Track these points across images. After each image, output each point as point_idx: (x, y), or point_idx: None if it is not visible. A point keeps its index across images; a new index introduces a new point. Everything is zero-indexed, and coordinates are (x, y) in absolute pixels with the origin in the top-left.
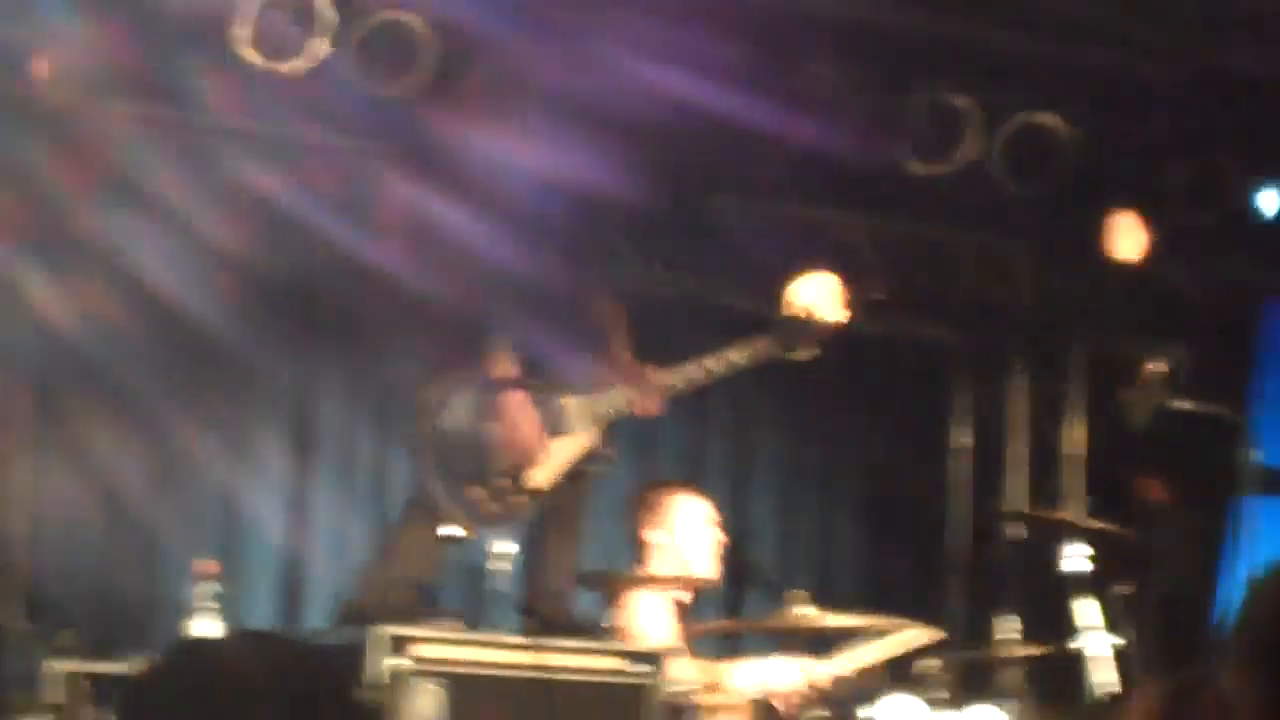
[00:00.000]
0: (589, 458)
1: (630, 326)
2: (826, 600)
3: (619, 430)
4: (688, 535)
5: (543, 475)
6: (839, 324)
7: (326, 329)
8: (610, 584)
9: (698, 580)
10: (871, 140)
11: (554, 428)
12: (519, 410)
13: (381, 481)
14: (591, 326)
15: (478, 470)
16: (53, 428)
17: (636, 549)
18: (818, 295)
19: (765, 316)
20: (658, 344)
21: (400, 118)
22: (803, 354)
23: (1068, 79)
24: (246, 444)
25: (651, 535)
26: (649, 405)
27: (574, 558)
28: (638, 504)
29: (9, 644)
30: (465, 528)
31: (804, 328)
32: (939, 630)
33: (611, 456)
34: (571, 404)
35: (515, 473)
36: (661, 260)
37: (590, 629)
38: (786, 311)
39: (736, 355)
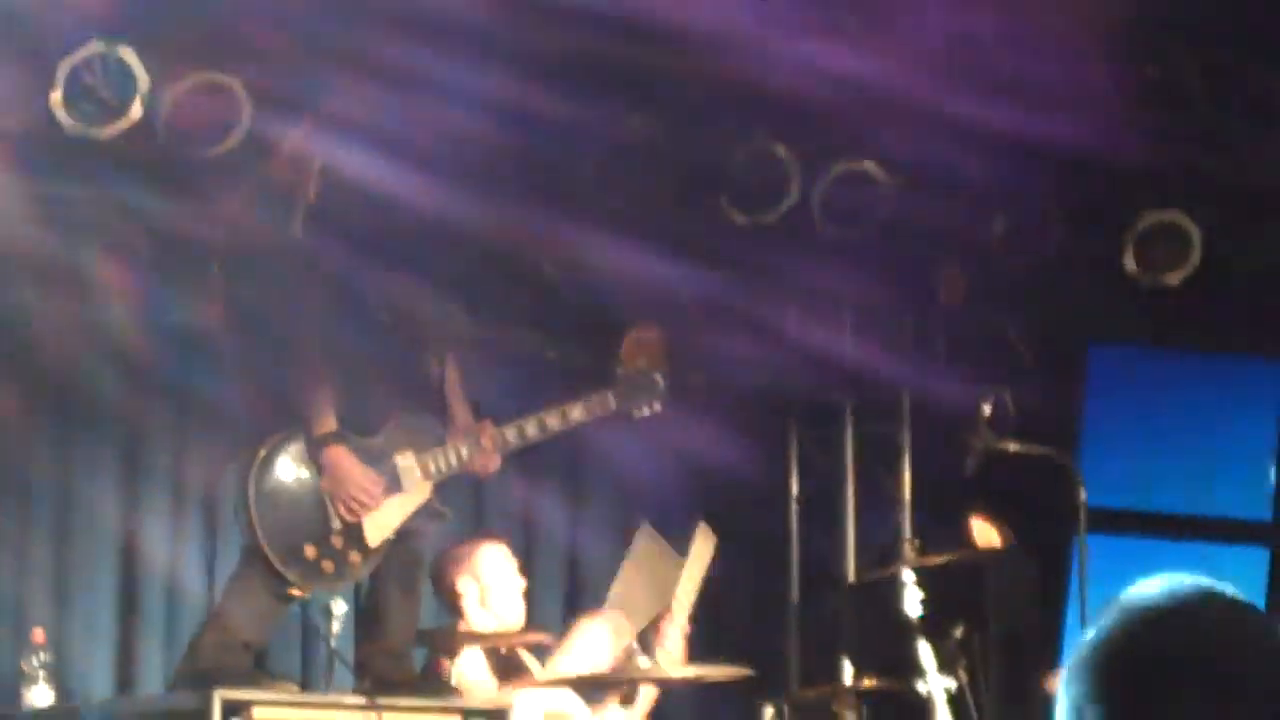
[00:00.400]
0: (423, 514)
1: (464, 382)
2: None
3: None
4: (494, 580)
5: (376, 533)
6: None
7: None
8: (449, 641)
9: (537, 636)
10: (693, 190)
11: (387, 485)
12: (346, 466)
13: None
14: (427, 383)
15: (308, 529)
16: None
17: (449, 602)
18: (648, 349)
19: (606, 371)
20: (494, 399)
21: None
22: (645, 411)
23: (888, 128)
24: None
25: (461, 584)
26: (487, 463)
27: (415, 616)
28: (445, 559)
29: None
30: (299, 588)
31: (646, 384)
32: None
33: (446, 514)
34: (405, 461)
35: (347, 530)
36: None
37: (431, 687)
38: (628, 366)
39: (578, 412)
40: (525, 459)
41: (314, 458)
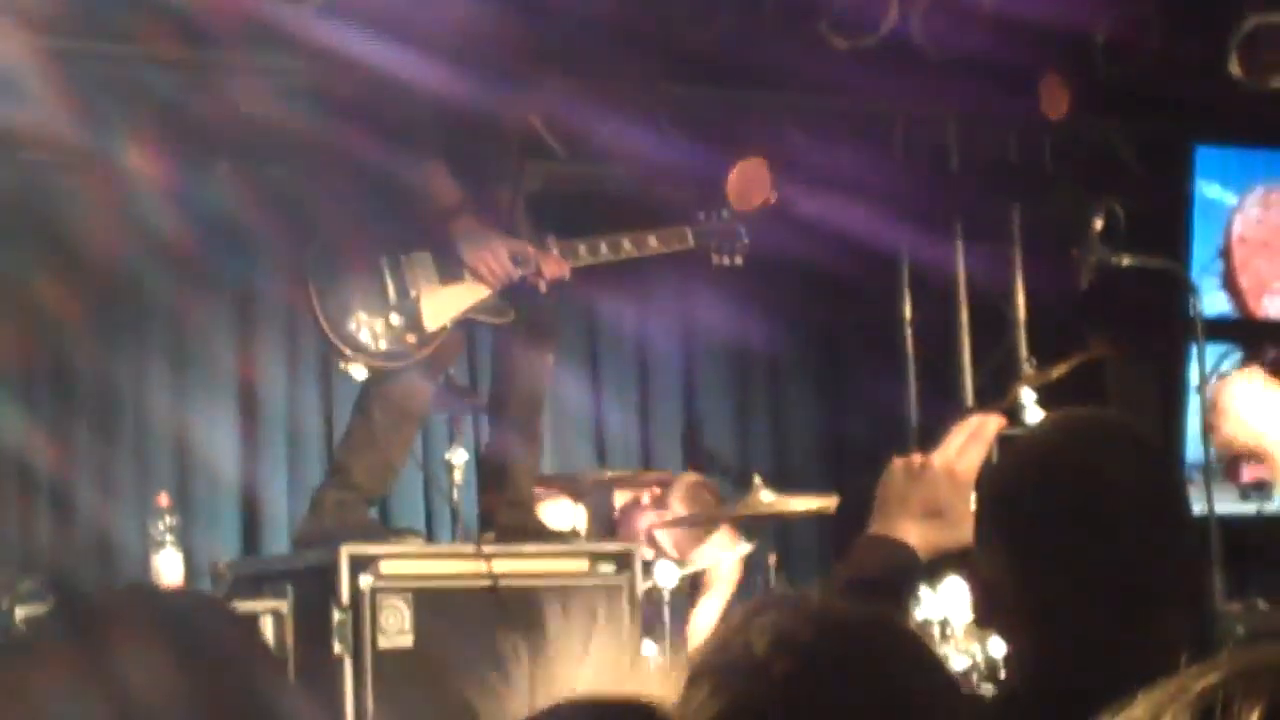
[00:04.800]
0: (485, 309)
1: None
2: (783, 483)
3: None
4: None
5: (434, 319)
6: (768, 203)
7: None
8: (572, 485)
9: (658, 476)
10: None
11: (446, 275)
12: (487, 234)
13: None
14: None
15: (364, 301)
16: None
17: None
18: (755, 180)
19: (694, 214)
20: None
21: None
22: (724, 259)
23: None
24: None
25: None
26: (555, 270)
27: (536, 464)
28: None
29: None
30: (351, 360)
31: (728, 230)
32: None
33: (508, 313)
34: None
35: (404, 309)
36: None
37: (556, 533)
38: (734, 197)
39: (654, 240)
40: None
41: (445, 228)
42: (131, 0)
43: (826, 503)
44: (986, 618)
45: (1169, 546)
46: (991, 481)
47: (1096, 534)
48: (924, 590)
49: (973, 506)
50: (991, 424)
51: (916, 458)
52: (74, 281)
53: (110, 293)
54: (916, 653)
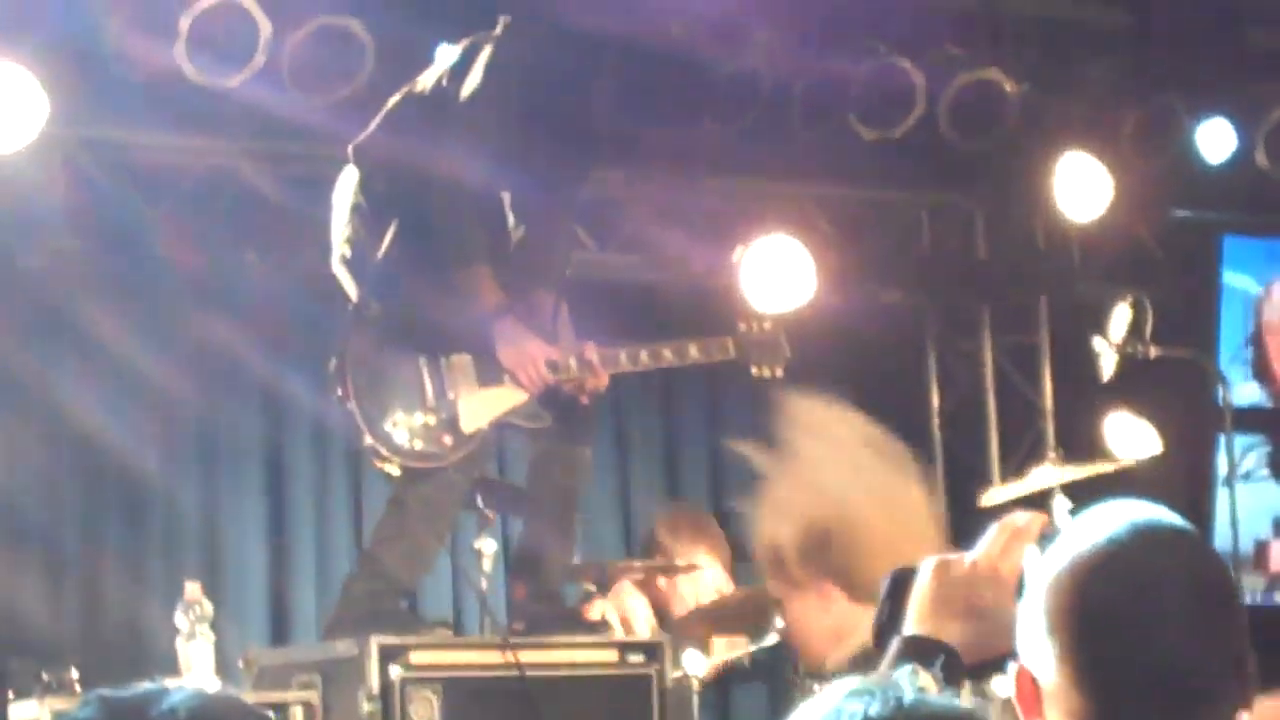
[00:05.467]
0: (522, 414)
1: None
2: None
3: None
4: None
5: (471, 421)
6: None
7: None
8: (605, 575)
9: (681, 568)
10: (817, 107)
11: (485, 378)
12: (526, 335)
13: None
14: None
15: (402, 403)
16: None
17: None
18: (775, 261)
19: (731, 323)
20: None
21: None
22: (765, 372)
23: (1009, 32)
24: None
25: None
26: (594, 380)
27: (569, 555)
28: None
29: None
30: (388, 461)
31: (771, 343)
32: None
33: (545, 418)
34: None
35: (441, 411)
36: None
37: (585, 624)
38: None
39: (695, 350)
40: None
41: (488, 331)
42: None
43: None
44: None
45: (1223, 645)
46: (1039, 581)
47: (1150, 634)
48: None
49: (1017, 607)
50: (1036, 522)
51: (957, 556)
52: (102, 374)
53: (139, 384)
54: None
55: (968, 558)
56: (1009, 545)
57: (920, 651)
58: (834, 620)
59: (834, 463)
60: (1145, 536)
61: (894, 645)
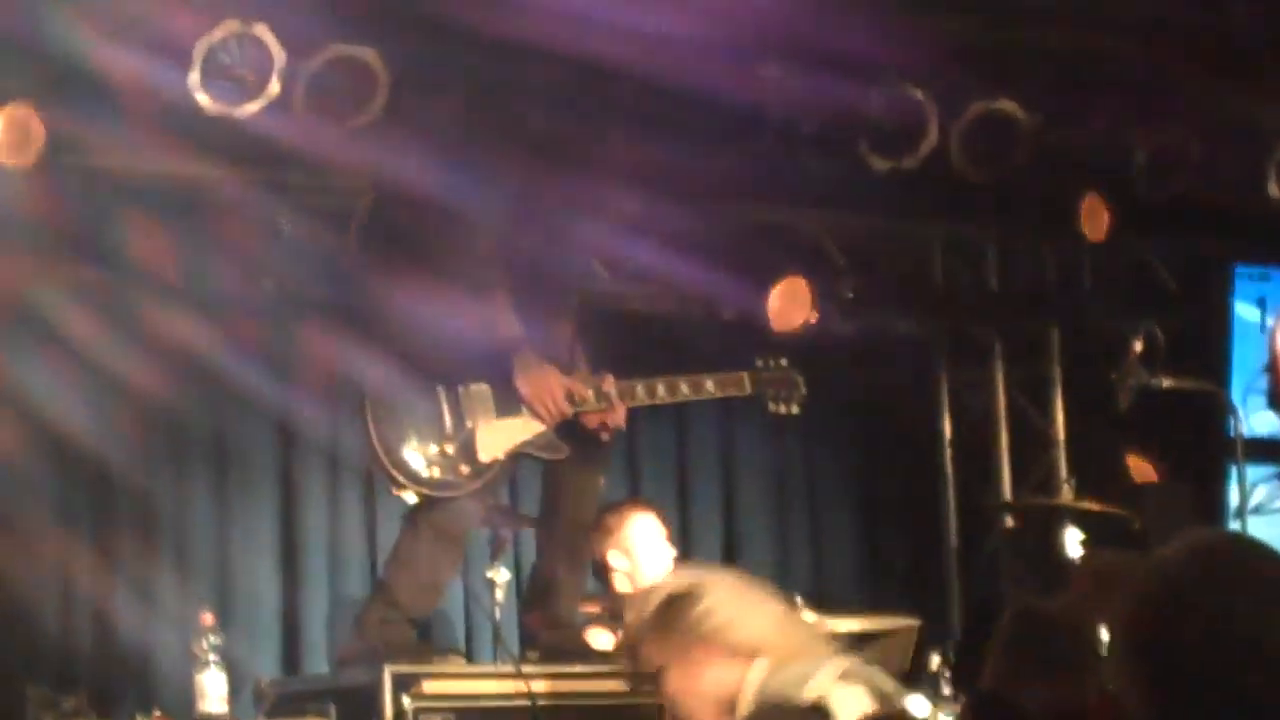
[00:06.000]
0: (539, 444)
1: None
2: (823, 603)
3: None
4: (644, 554)
5: (488, 451)
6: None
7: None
8: (614, 608)
9: None
10: (829, 137)
11: (502, 408)
12: (546, 370)
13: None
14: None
15: (420, 432)
16: None
17: (598, 575)
18: (789, 301)
19: (749, 359)
20: (628, 358)
21: (333, 274)
22: (780, 408)
23: (1021, 63)
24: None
25: (611, 558)
26: (612, 414)
27: (582, 586)
28: (595, 528)
29: (30, 711)
30: (404, 489)
31: (787, 380)
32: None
33: (563, 449)
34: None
35: (459, 440)
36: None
37: (598, 654)
38: (775, 320)
39: (711, 385)
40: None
41: (507, 362)
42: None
43: (908, 624)
44: None
45: None
46: (1124, 618)
47: (1238, 666)
48: None
49: (1103, 654)
50: (1127, 566)
51: (1039, 607)
52: (115, 400)
53: (152, 411)
54: None
55: (1053, 606)
56: (1095, 593)
57: (995, 715)
58: (709, 686)
59: None
60: (1228, 563)
61: (968, 702)
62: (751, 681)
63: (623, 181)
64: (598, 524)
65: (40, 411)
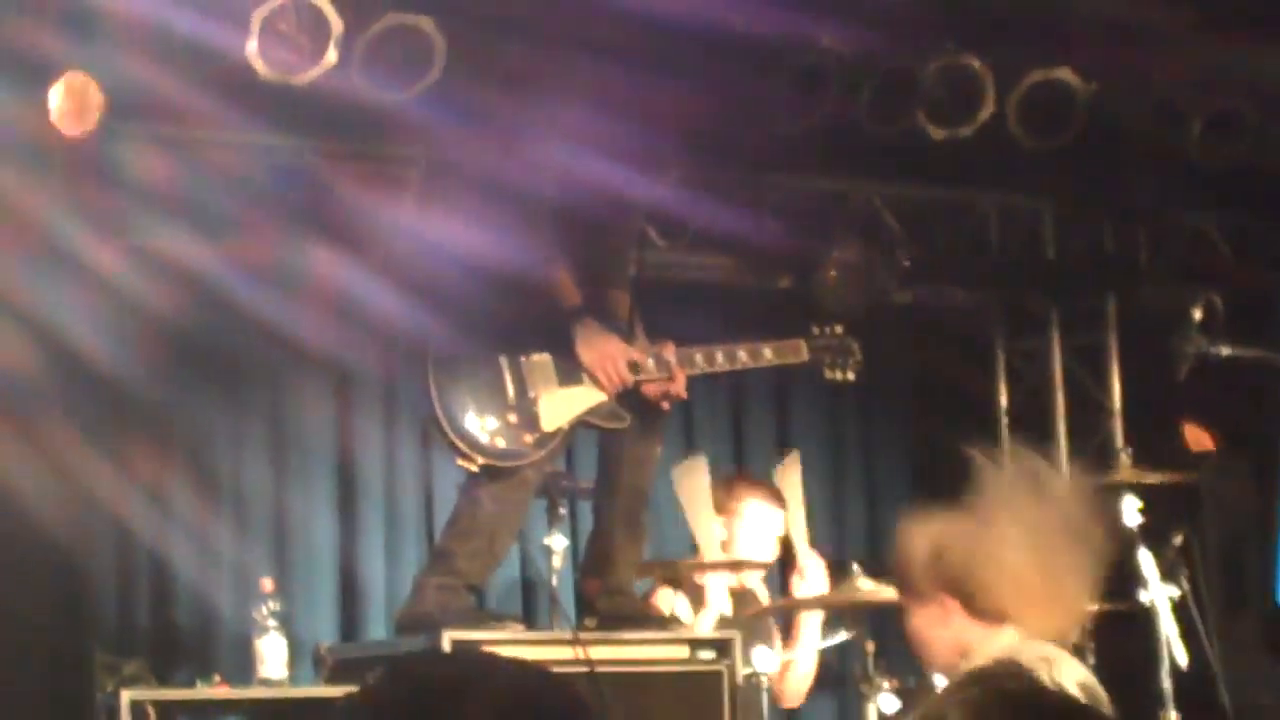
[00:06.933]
0: (602, 414)
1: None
2: (879, 572)
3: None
4: (752, 536)
5: (551, 420)
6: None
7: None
8: (674, 573)
9: (754, 564)
10: (887, 105)
11: (565, 377)
12: (607, 337)
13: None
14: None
15: (483, 401)
16: None
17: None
18: (851, 267)
19: (806, 328)
20: (683, 326)
21: (325, 194)
22: (836, 375)
23: (1078, 31)
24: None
25: (718, 524)
26: (673, 382)
27: (639, 553)
28: (715, 489)
29: (87, 675)
30: (470, 459)
31: (843, 347)
32: None
33: (626, 418)
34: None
35: (522, 409)
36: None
37: (655, 620)
38: (831, 286)
39: (769, 352)
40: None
41: (569, 330)
42: (235, 85)
43: None
44: None
45: None
46: None
47: None
48: None
49: None
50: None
51: None
52: (172, 363)
53: (209, 373)
54: None
55: None
56: None
57: None
58: (952, 634)
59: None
60: None
61: None
62: (994, 645)
63: (680, 147)
64: (721, 486)
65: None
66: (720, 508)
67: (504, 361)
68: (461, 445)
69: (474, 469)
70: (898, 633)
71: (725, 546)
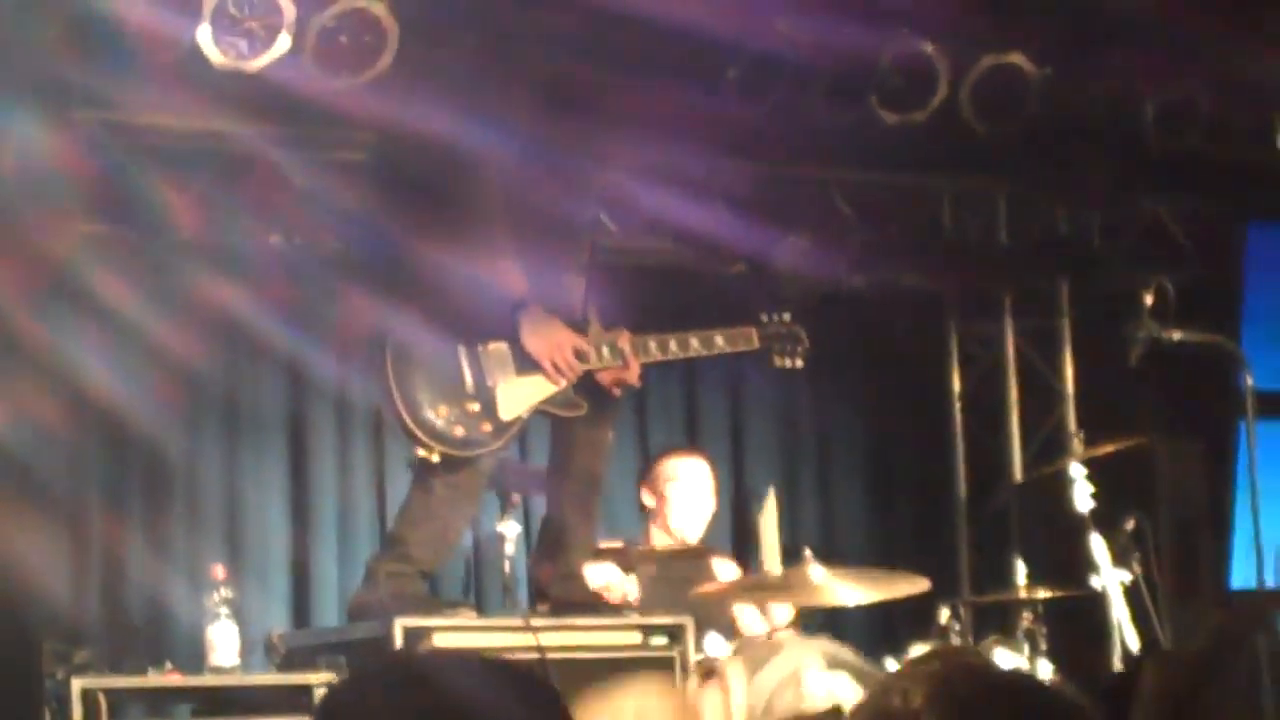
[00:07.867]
0: (559, 402)
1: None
2: (831, 556)
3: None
4: (680, 499)
5: (509, 409)
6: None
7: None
8: (624, 560)
9: (696, 549)
10: (839, 90)
11: (522, 366)
12: (555, 326)
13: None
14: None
15: (441, 390)
16: None
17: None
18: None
19: (756, 317)
20: (639, 310)
21: (346, 228)
22: (786, 362)
23: (1031, 16)
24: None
25: (646, 500)
26: (627, 370)
27: (592, 538)
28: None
29: (36, 663)
30: (428, 448)
31: (792, 335)
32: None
33: (581, 406)
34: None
35: (480, 398)
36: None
37: (608, 606)
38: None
39: (721, 340)
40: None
41: (513, 320)
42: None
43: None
44: None
45: None
46: None
47: None
48: None
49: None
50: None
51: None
52: (127, 354)
53: (162, 365)
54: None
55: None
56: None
57: None
58: None
59: None
60: None
61: None
62: None
63: (632, 133)
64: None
65: (54, 367)
66: (653, 489)
67: (462, 350)
68: (421, 434)
69: (434, 459)
70: (853, 616)
71: (662, 515)
